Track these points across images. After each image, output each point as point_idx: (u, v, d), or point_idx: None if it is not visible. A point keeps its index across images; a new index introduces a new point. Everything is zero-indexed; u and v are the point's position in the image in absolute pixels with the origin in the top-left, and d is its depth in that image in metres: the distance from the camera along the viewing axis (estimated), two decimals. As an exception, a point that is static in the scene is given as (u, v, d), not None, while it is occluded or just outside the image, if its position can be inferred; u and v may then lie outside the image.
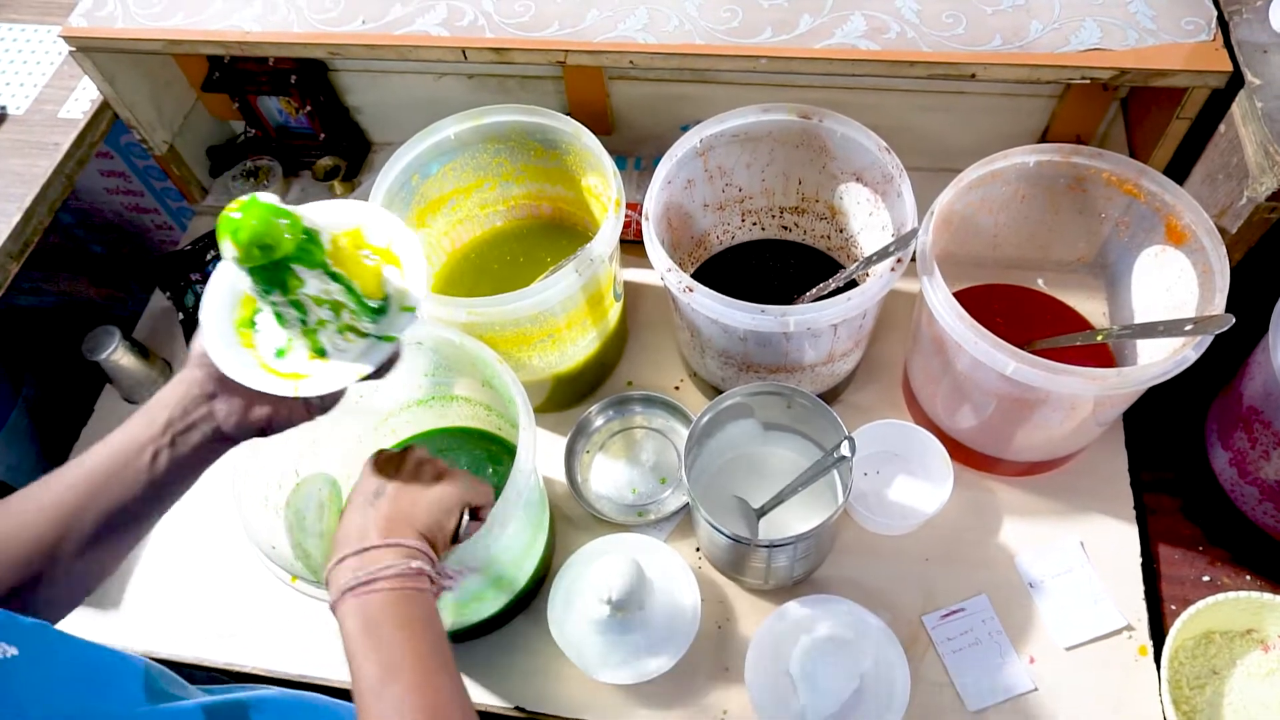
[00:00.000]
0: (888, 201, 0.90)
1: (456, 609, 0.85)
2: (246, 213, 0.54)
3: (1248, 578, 0.90)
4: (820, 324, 0.80)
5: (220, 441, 0.63)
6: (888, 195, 0.89)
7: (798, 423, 0.90)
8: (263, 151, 1.23)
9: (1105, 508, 0.93)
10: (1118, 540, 0.91)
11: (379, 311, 0.62)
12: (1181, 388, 0.96)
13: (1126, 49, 0.84)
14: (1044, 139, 1.07)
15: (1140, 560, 0.90)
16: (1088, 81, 0.85)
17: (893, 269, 0.81)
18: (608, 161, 0.89)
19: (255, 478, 0.79)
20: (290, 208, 0.56)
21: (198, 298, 1.12)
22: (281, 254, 0.56)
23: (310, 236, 0.57)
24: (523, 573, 0.87)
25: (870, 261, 0.83)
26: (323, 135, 1.19)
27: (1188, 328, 0.75)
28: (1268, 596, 0.83)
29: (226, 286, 0.64)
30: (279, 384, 0.60)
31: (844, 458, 0.80)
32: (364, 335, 0.62)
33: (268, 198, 0.56)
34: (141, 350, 1.09)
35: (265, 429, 0.64)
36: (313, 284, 0.58)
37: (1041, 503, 0.94)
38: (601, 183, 0.94)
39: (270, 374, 0.61)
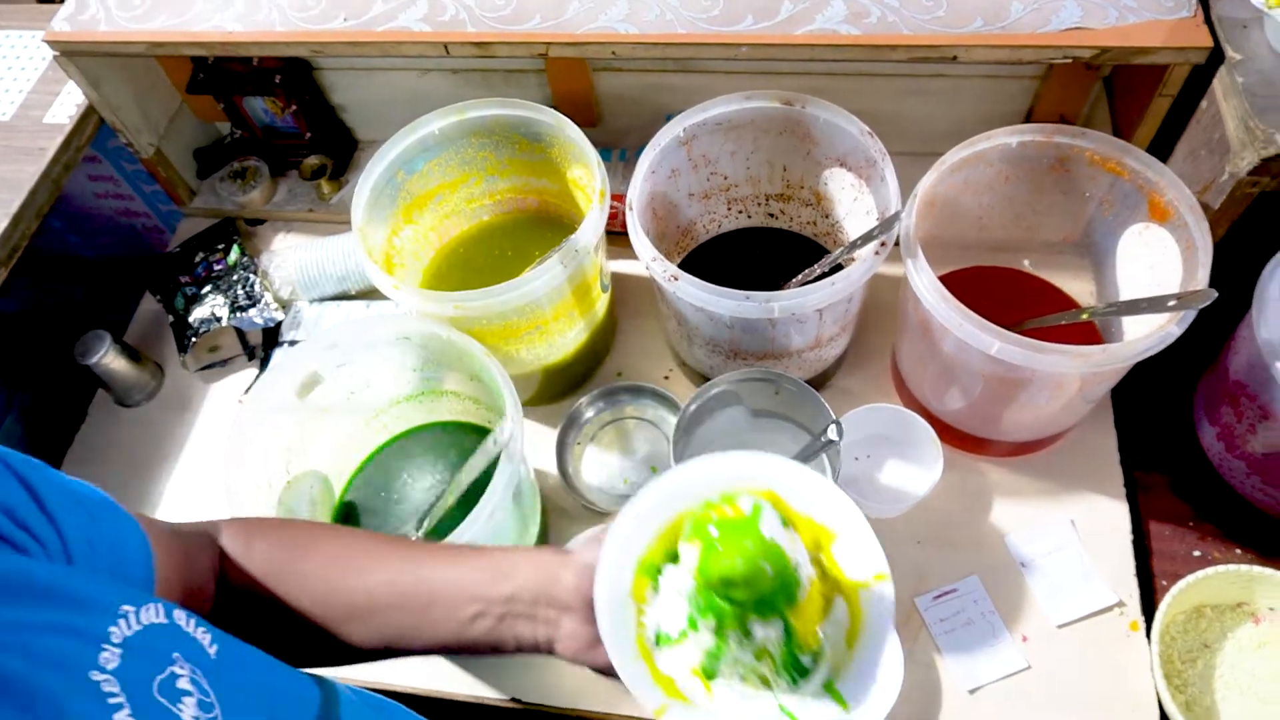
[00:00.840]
0: (872, 186, 0.90)
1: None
2: (742, 541, 0.49)
3: (1238, 551, 0.90)
4: (805, 309, 0.80)
5: (545, 652, 0.59)
6: (871, 180, 0.90)
7: (786, 409, 0.90)
8: (249, 152, 1.23)
9: (1095, 486, 0.93)
10: (1108, 518, 0.91)
11: (802, 671, 0.53)
12: (1169, 365, 0.96)
13: (1107, 27, 0.84)
14: (1028, 120, 1.07)
15: (1131, 537, 0.90)
16: (1069, 61, 0.85)
17: (876, 253, 0.81)
18: (591, 153, 0.89)
19: (246, 476, 0.80)
20: (778, 539, 0.50)
21: (187, 300, 1.13)
22: (751, 597, 0.50)
23: (789, 584, 0.51)
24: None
25: (854, 246, 0.84)
26: (309, 134, 1.19)
27: (1171, 303, 0.75)
28: (1256, 569, 0.83)
29: (650, 525, 0.57)
30: (643, 691, 0.52)
31: (831, 442, 0.80)
32: (767, 684, 0.53)
33: (770, 528, 0.51)
34: (133, 354, 1.09)
35: (598, 670, 0.57)
36: (756, 629, 0.51)
37: (1032, 483, 0.94)
38: (586, 174, 0.94)
39: (641, 666, 0.53)
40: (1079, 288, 0.98)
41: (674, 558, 0.55)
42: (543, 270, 0.83)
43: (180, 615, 0.44)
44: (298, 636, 0.58)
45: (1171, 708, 0.78)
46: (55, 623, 0.38)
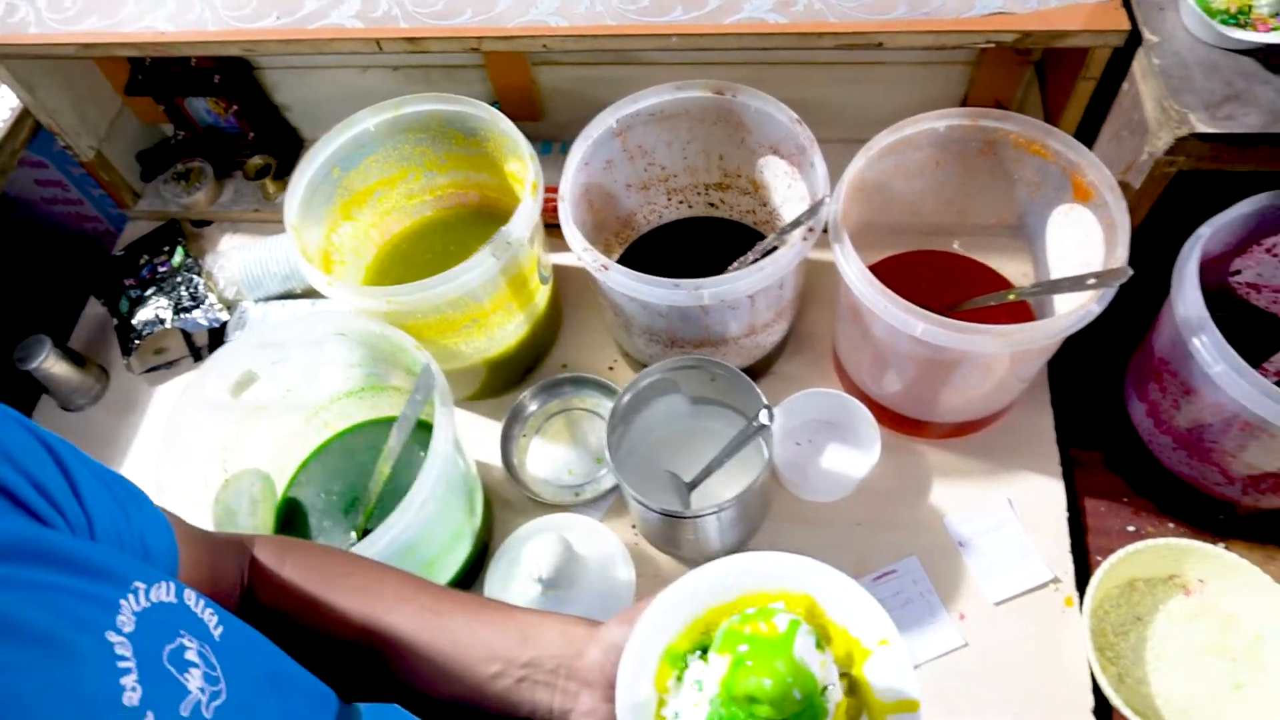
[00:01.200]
0: (804, 173, 0.91)
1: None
2: (773, 662, 0.49)
3: (1170, 525, 0.92)
4: (735, 296, 0.81)
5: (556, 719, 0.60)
6: (803, 167, 0.90)
7: (723, 395, 0.91)
8: (193, 154, 1.23)
9: (1032, 465, 0.95)
10: (1044, 496, 0.93)
11: None
12: (1104, 344, 0.98)
13: (1029, 12, 0.85)
14: (964, 106, 1.08)
15: (1066, 514, 0.91)
16: (993, 46, 0.86)
17: (804, 239, 0.82)
18: (525, 146, 0.90)
19: (181, 475, 0.80)
20: (809, 662, 0.50)
21: (132, 303, 1.13)
22: (775, 718, 0.49)
23: (816, 711, 0.50)
24: (455, 557, 0.88)
25: (784, 232, 0.84)
26: (252, 134, 1.19)
27: (1090, 282, 0.76)
28: (1184, 542, 0.84)
29: (681, 614, 0.56)
30: None
31: (764, 426, 0.81)
32: None
33: (803, 650, 0.50)
34: (76, 358, 1.08)
35: None
36: None
37: (970, 463, 0.95)
38: (522, 168, 0.94)
39: None
40: (1014, 269, 1.00)
41: (702, 650, 0.55)
42: (475, 263, 0.84)
43: (190, 595, 0.45)
44: (319, 660, 0.57)
45: (1103, 680, 0.80)
46: (75, 587, 0.39)
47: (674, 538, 0.90)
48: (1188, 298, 0.77)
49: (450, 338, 0.92)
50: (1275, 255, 0.87)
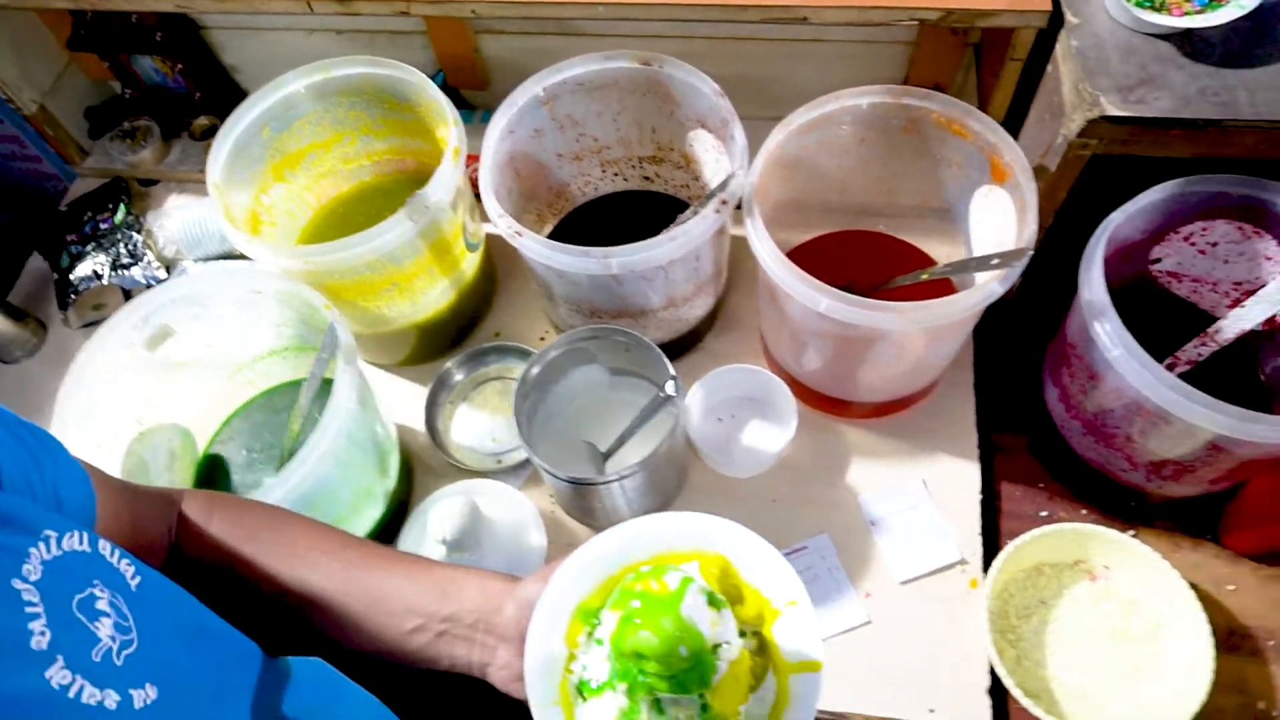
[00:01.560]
0: (728, 147, 0.91)
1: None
2: (659, 619, 0.49)
3: (1084, 512, 0.92)
4: (646, 266, 0.81)
5: (478, 675, 0.61)
6: (726, 140, 0.90)
7: (639, 367, 0.91)
8: (141, 112, 1.23)
9: (950, 447, 0.95)
10: (960, 478, 0.93)
11: None
12: (1027, 329, 0.98)
13: (952, -10, 0.85)
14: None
15: (980, 497, 0.92)
16: (917, 23, 0.86)
17: (716, 211, 0.81)
18: (450, 111, 0.90)
19: (85, 424, 0.80)
20: (697, 620, 0.50)
21: (72, 258, 1.13)
22: (663, 674, 0.50)
23: (704, 668, 0.51)
24: (366, 516, 0.88)
25: (702, 205, 0.84)
26: (198, 94, 1.19)
27: (994, 262, 0.76)
28: (1090, 527, 0.85)
29: (595, 572, 0.58)
30: None
31: (669, 397, 0.81)
32: None
33: (692, 608, 0.50)
34: (15, 311, 1.09)
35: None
36: (668, 704, 0.51)
37: (890, 444, 0.96)
38: (447, 133, 0.94)
39: (558, 713, 0.54)
40: (945, 250, 0.99)
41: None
42: (391, 225, 0.84)
43: (105, 545, 0.46)
44: (246, 612, 0.58)
45: (997, 661, 0.80)
46: None
47: (585, 506, 0.90)
48: (1093, 282, 0.77)
49: (372, 300, 0.92)
50: (1192, 244, 0.86)
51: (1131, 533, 0.90)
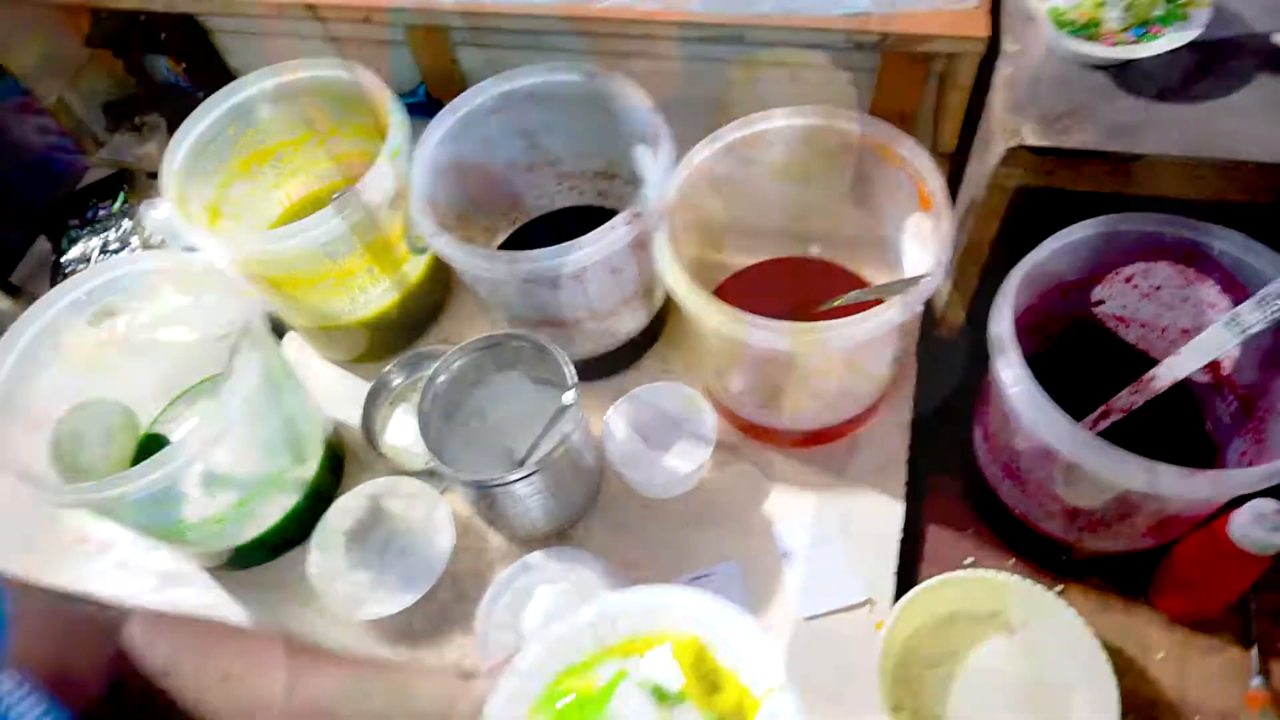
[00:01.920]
0: (656, 162, 0.90)
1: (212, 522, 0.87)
2: None
3: (1011, 562, 0.87)
4: (553, 274, 0.81)
5: None
6: (659, 157, 0.90)
7: (555, 376, 0.90)
8: (153, 109, 1.30)
9: (877, 484, 0.91)
10: (882, 517, 0.89)
11: None
12: (973, 368, 0.94)
13: (888, 14, 0.83)
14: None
15: (900, 538, 0.88)
16: (853, 46, 0.84)
17: (628, 223, 0.81)
18: (396, 114, 0.92)
19: (17, 391, 0.84)
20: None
21: (70, 242, 1.20)
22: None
23: None
24: (276, 504, 0.90)
25: (622, 220, 0.84)
26: (202, 95, 1.25)
27: (896, 289, 0.73)
28: (1007, 576, 0.80)
29: (554, 665, 0.54)
30: None
31: (566, 406, 0.81)
32: None
33: (625, 708, 0.49)
34: (12, 289, 1.16)
35: None
36: None
37: (816, 475, 0.93)
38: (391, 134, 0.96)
39: None
40: (885, 277, 0.96)
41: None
42: (319, 219, 0.86)
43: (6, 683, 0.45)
44: None
45: (885, 708, 0.76)
46: None
47: (491, 510, 0.90)
48: (1001, 316, 0.73)
49: (309, 294, 0.95)
50: (1135, 286, 0.82)
51: (1060, 588, 0.85)
